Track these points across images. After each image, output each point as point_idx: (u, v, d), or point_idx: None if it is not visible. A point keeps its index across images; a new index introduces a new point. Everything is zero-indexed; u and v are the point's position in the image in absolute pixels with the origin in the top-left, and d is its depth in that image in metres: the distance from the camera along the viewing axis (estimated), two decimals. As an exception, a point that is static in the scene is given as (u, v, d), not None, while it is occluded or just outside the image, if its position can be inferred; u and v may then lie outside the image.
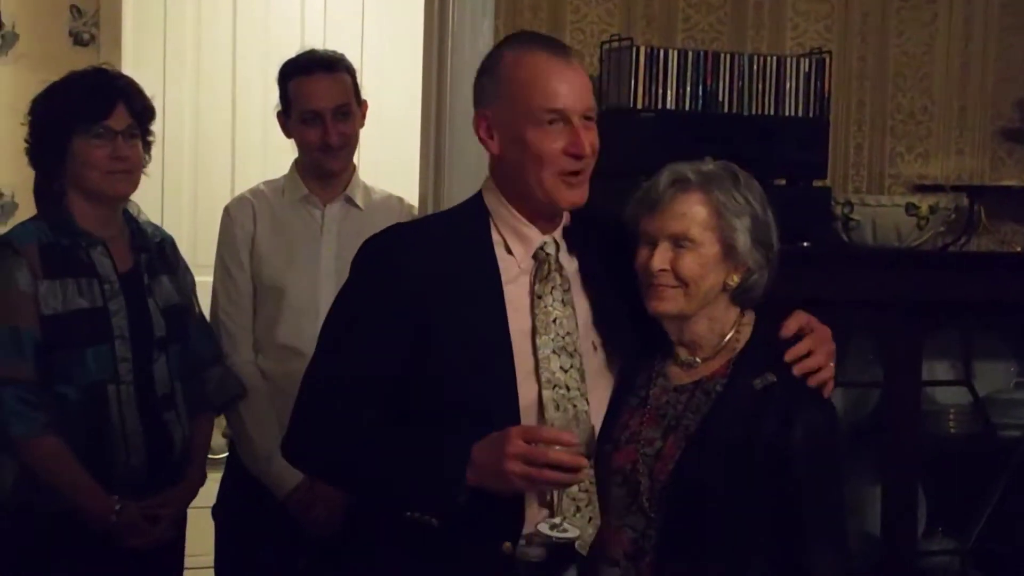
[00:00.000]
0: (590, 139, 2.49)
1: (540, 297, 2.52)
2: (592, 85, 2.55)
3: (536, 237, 2.55)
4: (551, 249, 2.55)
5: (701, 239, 2.51)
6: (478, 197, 2.60)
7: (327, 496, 3.36)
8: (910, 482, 3.76)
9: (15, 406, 3.09)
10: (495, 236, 2.55)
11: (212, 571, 3.70)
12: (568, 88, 2.47)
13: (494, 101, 2.52)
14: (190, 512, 3.45)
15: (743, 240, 2.52)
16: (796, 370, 2.50)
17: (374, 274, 2.52)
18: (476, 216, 2.57)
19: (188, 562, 3.50)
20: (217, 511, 3.69)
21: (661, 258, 2.51)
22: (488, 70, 2.55)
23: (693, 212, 2.52)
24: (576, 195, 2.51)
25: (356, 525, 2.69)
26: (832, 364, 2.56)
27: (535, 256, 2.55)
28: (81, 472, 3.13)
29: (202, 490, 3.49)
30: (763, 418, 2.46)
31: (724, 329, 2.57)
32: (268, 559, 3.54)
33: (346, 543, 2.75)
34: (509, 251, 2.54)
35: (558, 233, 2.58)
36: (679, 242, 2.51)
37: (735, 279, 2.55)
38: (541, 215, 2.54)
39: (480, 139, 2.55)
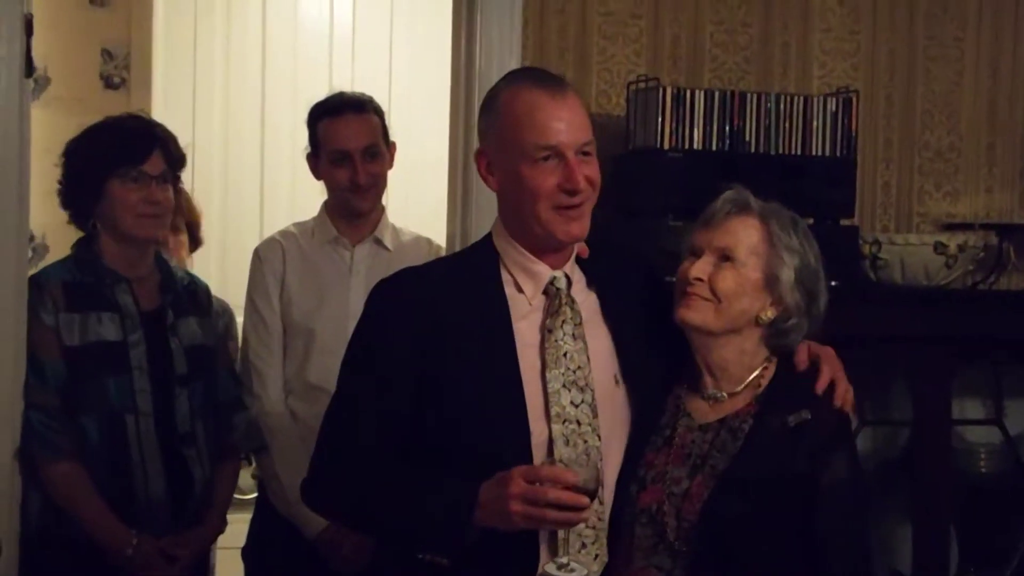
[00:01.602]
0: (586, 172, 2.48)
1: (551, 331, 2.52)
2: (590, 119, 2.54)
3: (545, 272, 2.55)
4: (561, 284, 2.55)
5: (745, 260, 2.52)
6: (487, 239, 2.61)
7: (356, 537, 3.36)
8: (941, 521, 3.73)
9: (39, 429, 3.18)
10: (504, 275, 2.55)
11: (242, 612, 3.70)
12: (561, 124, 2.46)
13: (491, 138, 2.53)
14: (220, 553, 3.46)
15: (787, 276, 2.52)
16: (836, 401, 2.51)
17: (384, 316, 2.53)
18: (485, 257, 2.58)
19: (218, 603, 3.51)
20: (247, 552, 3.68)
21: (700, 268, 2.52)
22: (486, 108, 2.56)
23: (745, 233, 2.53)
24: (575, 228, 2.50)
25: (381, 566, 2.69)
26: (846, 379, 2.57)
27: (545, 291, 2.55)
28: (99, 501, 3.18)
29: (231, 531, 3.50)
30: (794, 454, 2.46)
31: (752, 365, 2.57)
32: (298, 600, 3.54)
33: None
34: (519, 289, 2.55)
35: (569, 267, 2.58)
36: (723, 257, 2.52)
37: (770, 314, 2.54)
38: (545, 250, 2.54)
39: (481, 176, 2.56)
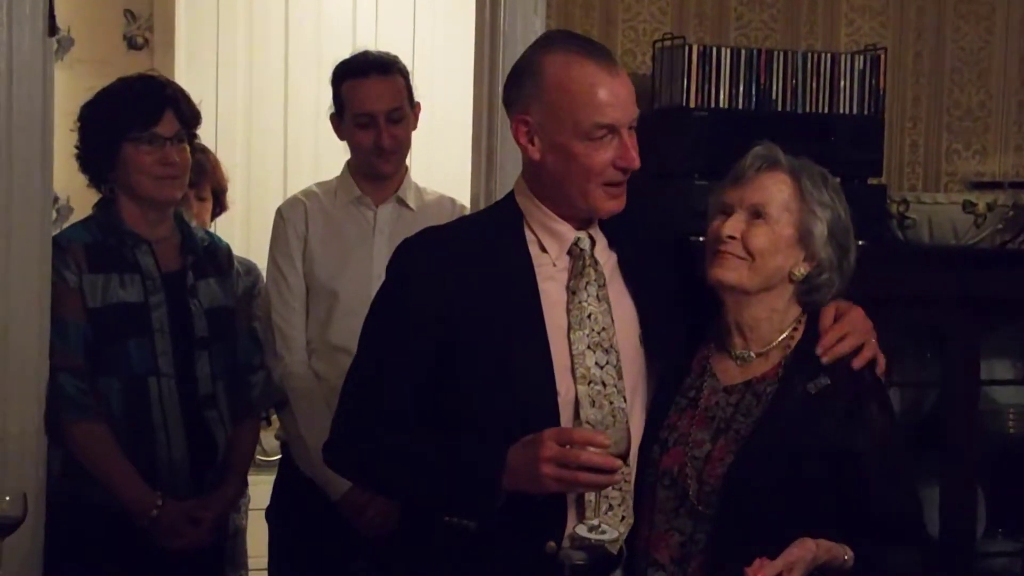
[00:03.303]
0: (634, 148, 2.48)
1: (575, 293, 2.51)
2: (636, 89, 2.51)
3: (570, 233, 2.54)
4: (585, 244, 2.54)
5: (778, 217, 2.50)
6: (510, 198, 2.60)
7: (381, 500, 3.36)
8: (969, 483, 3.72)
9: (70, 391, 3.18)
10: (528, 235, 2.54)
11: (267, 573, 3.71)
12: (617, 101, 2.45)
13: (536, 107, 2.48)
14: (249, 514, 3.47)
15: (820, 230, 2.50)
16: (826, 357, 2.48)
17: (408, 277, 2.53)
18: (509, 216, 2.56)
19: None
20: (271, 513, 3.70)
21: (733, 226, 2.50)
22: (528, 74, 2.50)
23: (776, 189, 2.51)
24: (617, 204, 2.51)
25: (405, 528, 2.69)
26: (873, 340, 2.54)
27: (570, 252, 2.54)
28: (125, 463, 3.18)
29: (258, 492, 3.50)
30: (820, 421, 2.44)
31: (782, 324, 2.55)
32: (323, 561, 3.55)
33: (396, 546, 2.75)
34: (543, 249, 2.54)
35: (593, 228, 2.57)
36: (755, 214, 2.50)
37: (803, 270, 2.52)
38: (576, 218, 2.54)
39: (519, 144, 2.52)
